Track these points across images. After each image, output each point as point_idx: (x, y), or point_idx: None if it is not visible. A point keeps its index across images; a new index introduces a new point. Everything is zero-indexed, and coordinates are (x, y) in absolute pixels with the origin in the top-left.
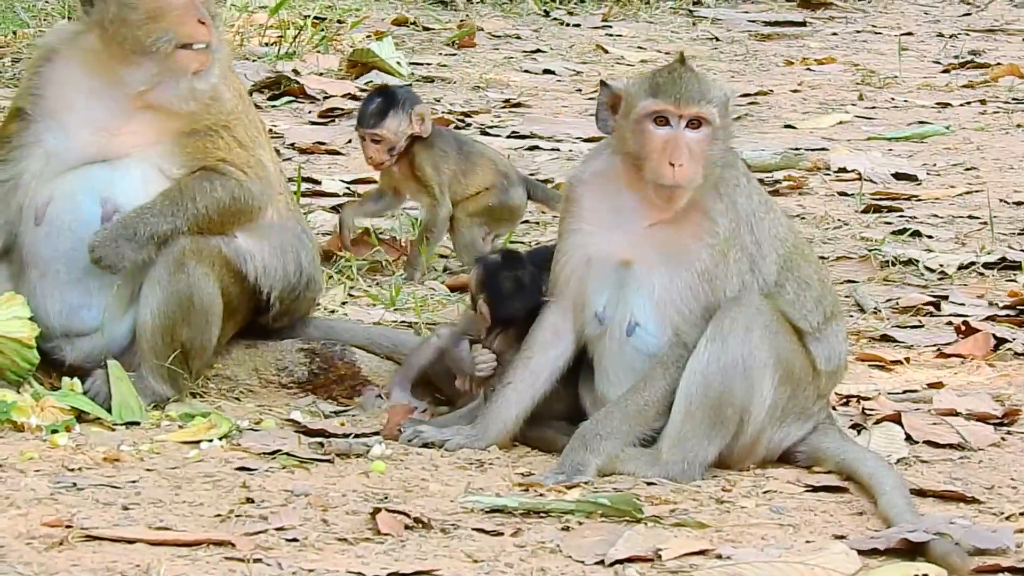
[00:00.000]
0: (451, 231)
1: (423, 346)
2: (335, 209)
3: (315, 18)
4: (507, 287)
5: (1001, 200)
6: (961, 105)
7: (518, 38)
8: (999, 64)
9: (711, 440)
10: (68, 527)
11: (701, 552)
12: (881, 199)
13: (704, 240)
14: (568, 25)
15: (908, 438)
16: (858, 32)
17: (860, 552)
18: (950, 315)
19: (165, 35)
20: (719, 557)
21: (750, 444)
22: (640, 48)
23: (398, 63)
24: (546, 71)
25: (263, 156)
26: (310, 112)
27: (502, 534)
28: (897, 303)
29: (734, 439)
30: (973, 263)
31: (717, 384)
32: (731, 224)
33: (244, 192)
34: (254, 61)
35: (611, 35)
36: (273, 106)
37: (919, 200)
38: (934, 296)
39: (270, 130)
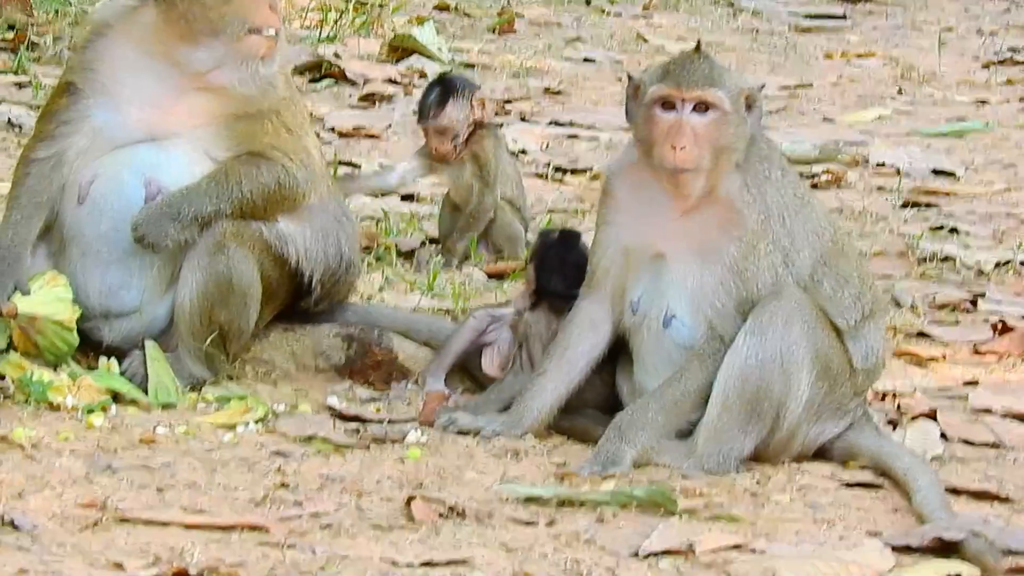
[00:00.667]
0: (494, 224)
1: (459, 332)
2: (374, 194)
3: (357, 2)
4: (555, 261)
5: None
6: (1000, 102)
7: (559, 26)
8: None
9: (747, 434)
10: (103, 508)
11: (735, 546)
12: (919, 195)
13: (732, 233)
14: (609, 14)
15: (943, 435)
16: (898, 26)
17: (894, 549)
18: (987, 312)
19: (237, 19)
20: (753, 551)
21: (786, 439)
22: (680, 38)
23: (439, 48)
24: (586, 59)
25: (308, 143)
26: (351, 96)
27: (536, 524)
28: (934, 299)
29: (770, 433)
30: (1010, 261)
31: (755, 378)
32: (760, 217)
33: (289, 178)
34: (295, 44)
35: (651, 25)
36: (314, 89)
37: (957, 196)
38: (971, 293)
39: (311, 113)
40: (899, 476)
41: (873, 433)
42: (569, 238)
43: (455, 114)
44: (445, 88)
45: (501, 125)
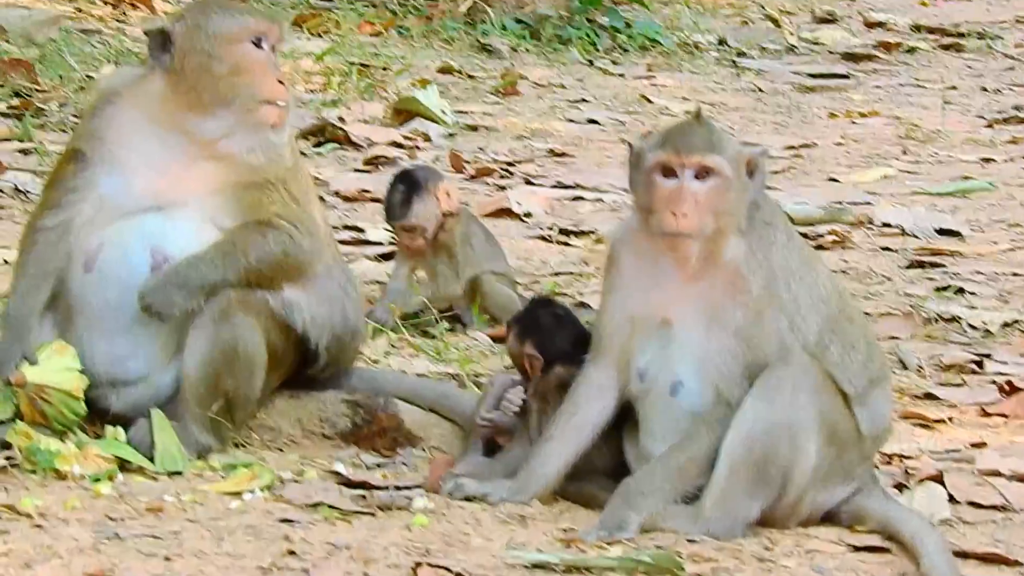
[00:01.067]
0: (484, 296)
1: (483, 400)
2: (380, 258)
3: (360, 65)
4: (549, 322)
5: None
6: (1005, 161)
7: (562, 87)
8: None
9: (754, 499)
10: None
11: None
12: (924, 255)
13: (737, 299)
14: (612, 75)
15: (951, 498)
16: (902, 85)
17: None
18: (994, 373)
19: (248, 91)
20: None
21: (793, 504)
22: (684, 99)
23: (443, 111)
24: (590, 121)
25: (314, 211)
26: (355, 159)
27: None
28: (940, 360)
29: (777, 499)
30: (1017, 321)
31: (762, 443)
32: (765, 282)
33: (296, 248)
34: (299, 108)
35: (655, 85)
36: (318, 153)
37: (963, 256)
38: (977, 354)
39: (315, 177)
40: (907, 540)
41: (880, 496)
42: (541, 299)
43: (422, 211)
44: (409, 185)
45: (467, 203)
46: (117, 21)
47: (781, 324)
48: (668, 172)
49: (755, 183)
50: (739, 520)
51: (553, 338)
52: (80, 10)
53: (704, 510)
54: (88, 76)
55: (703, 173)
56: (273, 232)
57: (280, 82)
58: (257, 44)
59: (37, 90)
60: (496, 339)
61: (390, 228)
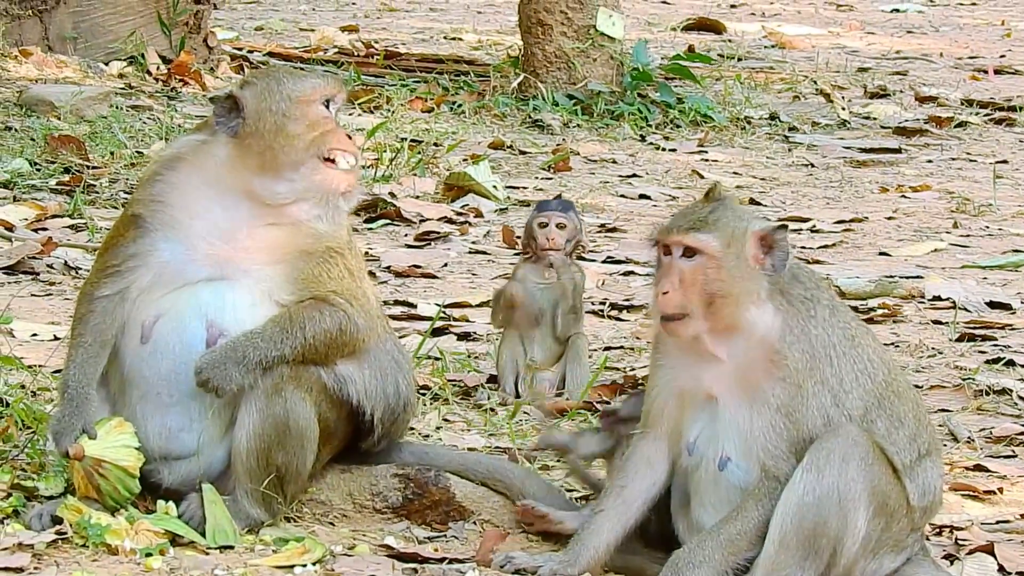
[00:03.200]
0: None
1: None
2: (432, 334)
3: (412, 141)
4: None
5: None
6: None
7: (614, 162)
8: None
9: (804, 570)
10: None
11: None
12: (975, 328)
13: (775, 374)
14: (664, 150)
15: (1001, 569)
16: (953, 159)
17: None
18: None
19: (316, 147)
20: None
21: (843, 575)
22: (735, 173)
23: (494, 187)
24: (642, 196)
25: (366, 286)
26: (406, 235)
27: None
28: (991, 432)
29: (827, 569)
30: None
31: (812, 515)
32: (804, 357)
33: (351, 324)
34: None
35: (706, 160)
36: (370, 228)
37: (1013, 329)
38: None
39: (366, 253)
40: None
41: (931, 568)
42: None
43: (575, 221)
44: (567, 201)
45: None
46: (168, 98)
47: (824, 400)
48: (666, 250)
49: (776, 259)
50: None
51: None
52: (131, 86)
53: None
54: (138, 152)
55: (689, 252)
56: (329, 308)
57: (349, 137)
58: (326, 105)
59: (87, 166)
60: (549, 414)
61: (531, 233)
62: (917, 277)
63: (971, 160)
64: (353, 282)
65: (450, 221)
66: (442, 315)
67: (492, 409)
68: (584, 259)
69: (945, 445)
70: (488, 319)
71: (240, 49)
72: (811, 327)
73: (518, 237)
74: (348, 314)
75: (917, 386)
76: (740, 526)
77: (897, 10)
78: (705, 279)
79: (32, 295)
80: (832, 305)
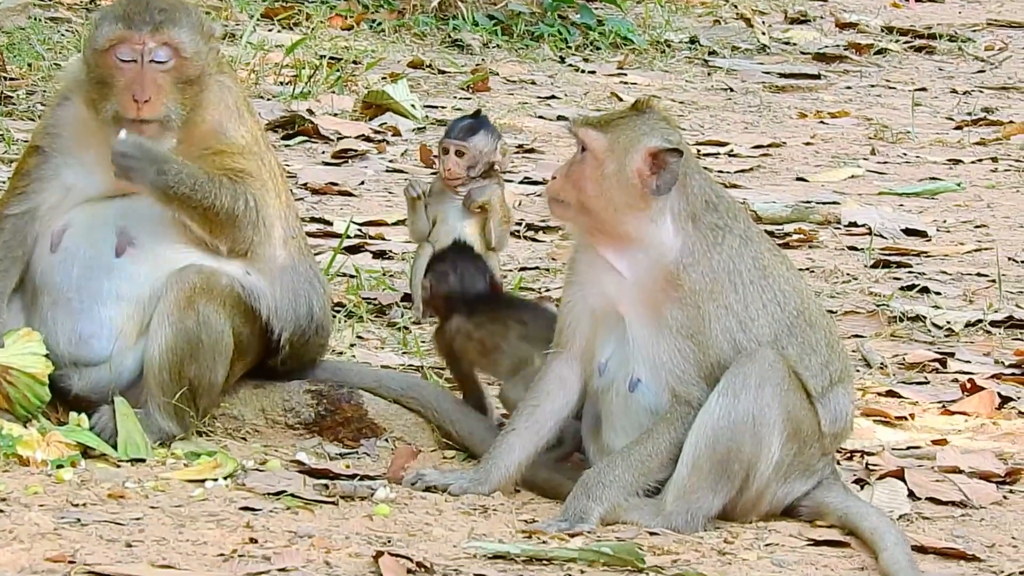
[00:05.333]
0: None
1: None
2: (347, 251)
3: (330, 59)
4: (457, 263)
5: (1010, 258)
6: (973, 162)
7: (533, 84)
8: (1012, 122)
9: (716, 493)
10: (71, 563)
11: None
12: (890, 254)
13: (672, 295)
14: (583, 72)
15: (911, 494)
16: (872, 86)
17: None
18: (956, 372)
19: (111, 106)
20: None
21: (754, 499)
22: (654, 97)
23: (413, 106)
24: (560, 117)
25: (268, 198)
26: (323, 152)
27: None
28: (904, 359)
29: (739, 493)
30: (980, 321)
31: (726, 439)
32: (703, 280)
33: (254, 210)
34: (268, 100)
35: (626, 83)
36: (287, 145)
37: (928, 256)
38: (940, 353)
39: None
40: (866, 535)
41: (841, 492)
42: (457, 247)
43: (481, 144)
44: (479, 122)
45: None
46: (86, 10)
47: (728, 324)
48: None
49: (662, 179)
50: (700, 514)
51: (449, 276)
52: None
53: (666, 503)
54: (56, 64)
55: (583, 147)
56: (241, 184)
57: (136, 100)
58: (124, 54)
59: (5, 77)
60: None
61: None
62: (834, 203)
63: (890, 87)
64: (256, 181)
65: (368, 139)
66: (358, 233)
67: (406, 327)
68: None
69: (858, 371)
70: (404, 238)
71: None
72: (714, 253)
73: (436, 156)
74: (254, 196)
75: (831, 311)
76: (651, 448)
77: None
78: (582, 176)
79: None
80: (745, 236)
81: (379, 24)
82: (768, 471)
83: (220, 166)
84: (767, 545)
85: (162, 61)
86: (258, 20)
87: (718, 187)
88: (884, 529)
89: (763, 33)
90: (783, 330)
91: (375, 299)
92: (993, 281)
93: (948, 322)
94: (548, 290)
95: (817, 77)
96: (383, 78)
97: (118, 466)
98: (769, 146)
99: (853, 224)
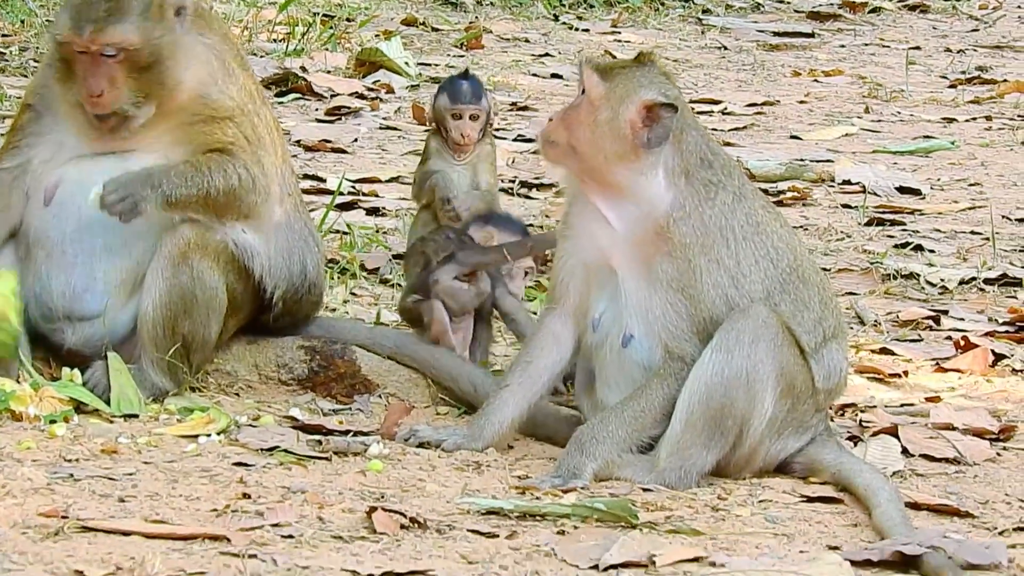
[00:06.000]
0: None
1: None
2: (340, 208)
3: (324, 16)
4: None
5: (1003, 216)
6: (967, 120)
7: (527, 41)
8: (1006, 81)
9: (709, 450)
10: (64, 518)
11: (695, 559)
12: (884, 212)
13: (663, 249)
14: (577, 30)
15: (904, 451)
16: (866, 45)
17: (853, 563)
18: (950, 330)
19: (76, 93)
20: (713, 565)
21: (748, 455)
22: (657, 50)
23: (406, 63)
24: (554, 75)
25: (264, 157)
26: (317, 110)
27: (497, 536)
28: (897, 316)
29: (732, 450)
30: (974, 278)
31: (720, 395)
32: (693, 234)
33: (250, 178)
34: (261, 57)
35: (619, 41)
36: (280, 103)
37: (922, 214)
38: (934, 310)
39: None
40: (860, 491)
41: (835, 448)
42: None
43: (486, 105)
44: (476, 81)
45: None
46: None
47: (720, 279)
48: None
49: (653, 134)
50: (694, 470)
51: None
52: None
53: (659, 460)
54: (48, 20)
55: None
56: (231, 159)
57: (92, 96)
58: (78, 48)
59: None
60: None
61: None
62: (827, 161)
63: (884, 46)
64: (250, 146)
65: (361, 96)
66: (351, 190)
67: (399, 284)
68: (495, 137)
69: (852, 328)
70: (398, 195)
71: None
72: (706, 208)
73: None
74: (248, 167)
75: (825, 269)
76: (644, 403)
77: None
78: (577, 120)
79: None
80: (740, 192)
81: None
82: (762, 427)
83: (207, 141)
84: (760, 501)
85: (111, 55)
86: None
87: (715, 144)
88: (878, 486)
89: None
90: (776, 286)
91: (368, 256)
92: (987, 239)
93: (942, 280)
94: None
95: (811, 35)
96: (376, 35)
97: (111, 421)
98: (763, 104)
99: (847, 182)
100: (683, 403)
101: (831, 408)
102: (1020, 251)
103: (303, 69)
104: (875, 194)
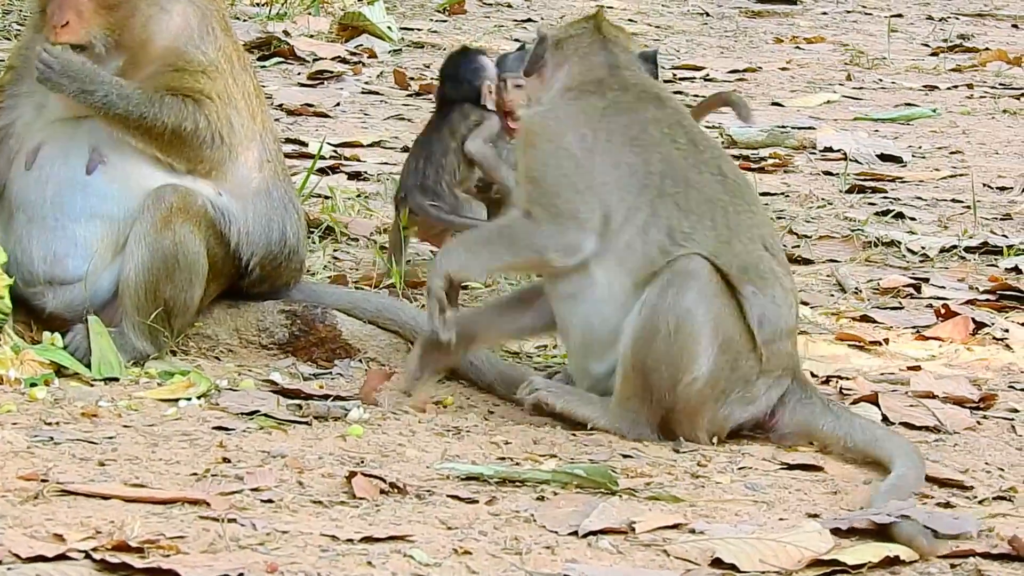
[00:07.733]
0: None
1: None
2: (322, 172)
3: None
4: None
5: (985, 184)
6: (948, 88)
7: (509, 7)
8: (987, 49)
9: (645, 401)
10: (44, 481)
11: (675, 526)
12: (866, 180)
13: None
14: None
15: (884, 419)
16: (848, 12)
17: (833, 531)
18: (930, 298)
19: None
20: (692, 532)
21: (691, 411)
22: (631, 21)
23: (389, 28)
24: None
25: (234, 117)
26: (299, 74)
27: (477, 502)
28: (878, 284)
29: (673, 406)
30: (955, 246)
31: (645, 346)
32: (545, 123)
33: (210, 131)
34: (244, 21)
35: (603, 7)
36: (263, 67)
37: (903, 182)
38: (915, 278)
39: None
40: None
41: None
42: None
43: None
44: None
45: None
46: None
47: (568, 168)
48: None
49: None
50: (640, 419)
51: None
52: None
53: (612, 404)
54: None
55: None
56: (194, 104)
57: (55, 26)
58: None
59: None
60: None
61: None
62: (809, 128)
63: (866, 13)
64: (219, 103)
65: (344, 61)
66: (333, 154)
67: (383, 247)
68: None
69: (832, 296)
70: (380, 159)
71: None
72: (563, 106)
73: (411, 79)
74: (211, 122)
75: (806, 236)
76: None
77: None
78: None
79: None
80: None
81: None
82: (700, 380)
83: (170, 84)
84: (740, 468)
85: None
86: None
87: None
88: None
89: None
90: (644, 204)
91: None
92: (968, 207)
93: (923, 247)
94: None
95: (793, 2)
96: (359, 0)
97: (91, 385)
98: (745, 71)
99: (828, 149)
100: (620, 356)
101: (812, 376)
102: (1001, 219)
103: (286, 33)
104: (856, 161)
